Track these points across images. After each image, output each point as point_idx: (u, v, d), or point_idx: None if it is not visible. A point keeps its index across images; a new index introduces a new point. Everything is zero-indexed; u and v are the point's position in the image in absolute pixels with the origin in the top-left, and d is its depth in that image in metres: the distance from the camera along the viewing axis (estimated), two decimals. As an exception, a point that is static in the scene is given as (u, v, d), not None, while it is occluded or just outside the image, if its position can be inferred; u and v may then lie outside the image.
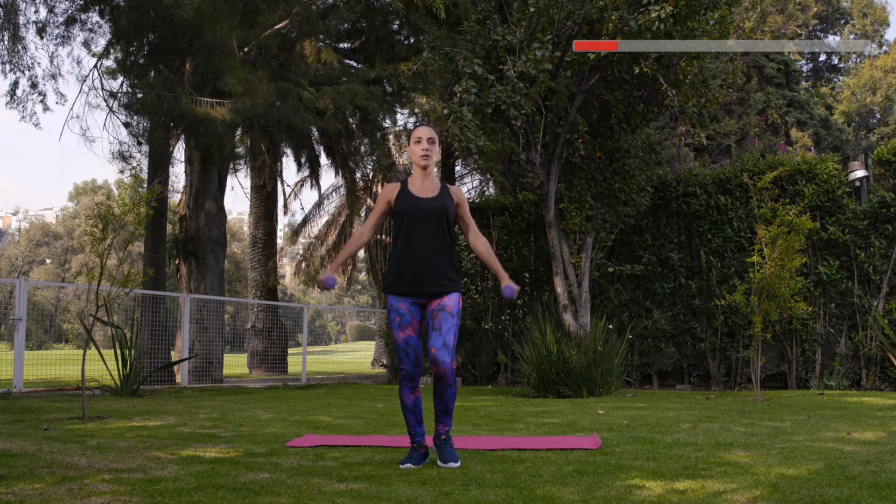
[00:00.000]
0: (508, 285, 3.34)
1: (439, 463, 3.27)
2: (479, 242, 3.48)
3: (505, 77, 7.66)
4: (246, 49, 10.60)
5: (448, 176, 16.85)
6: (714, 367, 9.28)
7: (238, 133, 11.61)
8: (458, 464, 3.24)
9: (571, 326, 8.13)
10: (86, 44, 11.38)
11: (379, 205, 3.45)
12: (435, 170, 3.48)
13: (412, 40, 12.69)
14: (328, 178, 45.12)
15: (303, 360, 12.24)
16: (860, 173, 8.93)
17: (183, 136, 12.30)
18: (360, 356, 32.07)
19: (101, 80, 11.39)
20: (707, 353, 9.31)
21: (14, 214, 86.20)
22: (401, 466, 3.20)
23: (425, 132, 3.36)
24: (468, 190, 20.62)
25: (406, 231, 3.32)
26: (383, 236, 19.04)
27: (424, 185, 3.38)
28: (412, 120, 18.01)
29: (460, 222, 3.49)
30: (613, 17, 7.43)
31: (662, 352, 9.54)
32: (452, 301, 3.29)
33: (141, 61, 10.88)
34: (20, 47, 10.40)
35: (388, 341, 11.76)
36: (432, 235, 3.30)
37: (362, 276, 39.86)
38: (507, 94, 7.55)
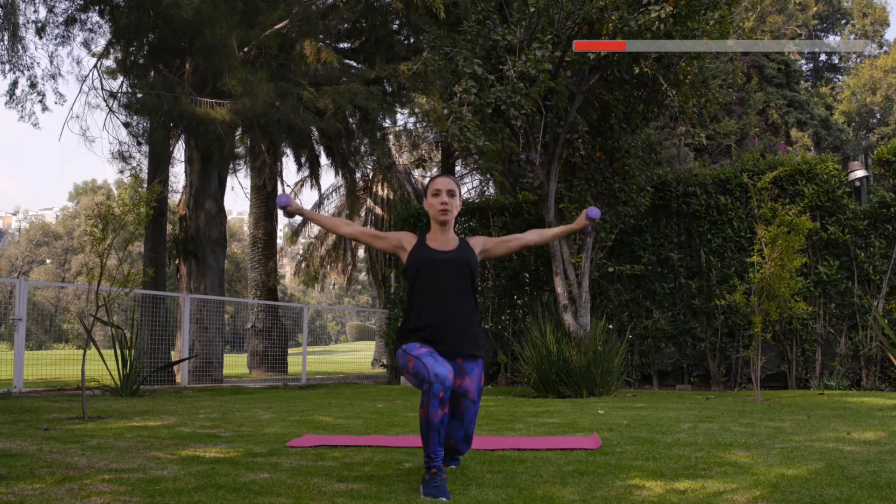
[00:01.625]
0: (591, 208, 3.14)
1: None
2: (528, 236, 3.24)
3: (505, 77, 7.66)
4: (246, 49, 10.60)
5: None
6: (714, 367, 9.28)
7: (238, 133, 11.62)
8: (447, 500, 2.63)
9: (571, 326, 8.13)
10: (86, 44, 11.39)
11: (387, 234, 3.18)
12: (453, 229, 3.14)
13: (412, 40, 12.69)
14: (328, 178, 45.18)
15: (303, 360, 12.24)
16: (860, 173, 8.94)
17: (183, 136, 12.30)
18: (360, 356, 32.08)
19: (100, 80, 11.39)
20: (707, 353, 9.31)
21: (14, 214, 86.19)
22: (432, 499, 2.56)
23: (445, 184, 3.04)
24: (468, 190, 20.64)
25: (423, 283, 2.97)
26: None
27: (443, 240, 3.06)
28: (412, 120, 18.03)
29: (501, 247, 3.19)
30: (613, 17, 7.43)
31: (662, 352, 9.54)
32: (475, 383, 2.91)
33: (141, 61, 10.88)
34: (19, 47, 10.40)
35: (389, 341, 11.74)
36: (453, 290, 2.96)
37: (362, 276, 39.84)
38: (507, 94, 7.55)
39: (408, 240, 3.11)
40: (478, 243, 3.15)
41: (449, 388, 2.71)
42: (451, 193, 3.04)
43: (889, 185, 8.85)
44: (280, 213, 18.34)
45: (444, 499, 2.56)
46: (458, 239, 3.10)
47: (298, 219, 25.47)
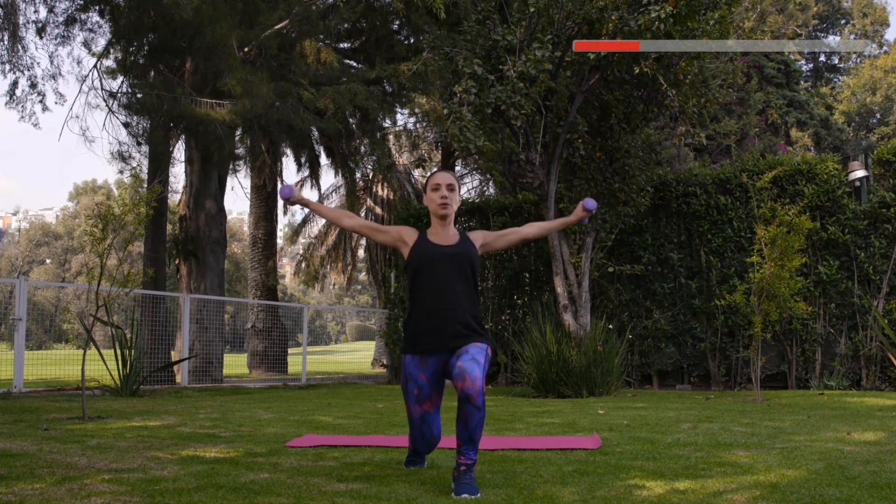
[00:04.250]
0: (587, 199, 3.20)
1: (453, 494, 2.65)
2: (528, 229, 3.27)
3: (505, 77, 7.66)
4: (246, 49, 10.60)
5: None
6: (714, 367, 9.28)
7: (238, 133, 11.61)
8: (475, 494, 2.63)
9: (571, 326, 8.13)
10: (86, 44, 11.38)
11: (390, 229, 3.18)
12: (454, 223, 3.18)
13: (412, 40, 12.69)
14: (328, 178, 45.17)
15: (303, 360, 12.24)
16: (860, 173, 8.94)
17: (183, 137, 12.30)
18: (360, 356, 32.07)
19: (100, 80, 11.39)
20: (707, 353, 9.31)
21: (14, 214, 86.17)
22: (406, 468, 3.16)
23: (444, 178, 3.07)
24: (468, 190, 20.64)
25: (425, 278, 2.99)
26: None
27: (443, 235, 3.08)
28: (412, 120, 18.03)
29: (501, 240, 3.22)
30: (613, 17, 7.43)
31: (662, 352, 9.54)
32: (479, 346, 2.90)
33: (141, 61, 10.88)
34: (20, 47, 10.40)
35: (389, 341, 11.74)
36: (454, 284, 2.97)
37: (362, 276, 39.84)
38: (507, 94, 7.55)
39: (409, 234, 3.12)
40: (478, 237, 3.17)
41: (431, 449, 3.13)
42: (450, 188, 3.07)
43: (889, 185, 8.85)
44: (281, 204, 18.23)
45: (420, 465, 3.21)
46: (459, 233, 3.12)
47: (299, 217, 25.47)
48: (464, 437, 2.74)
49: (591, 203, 3.21)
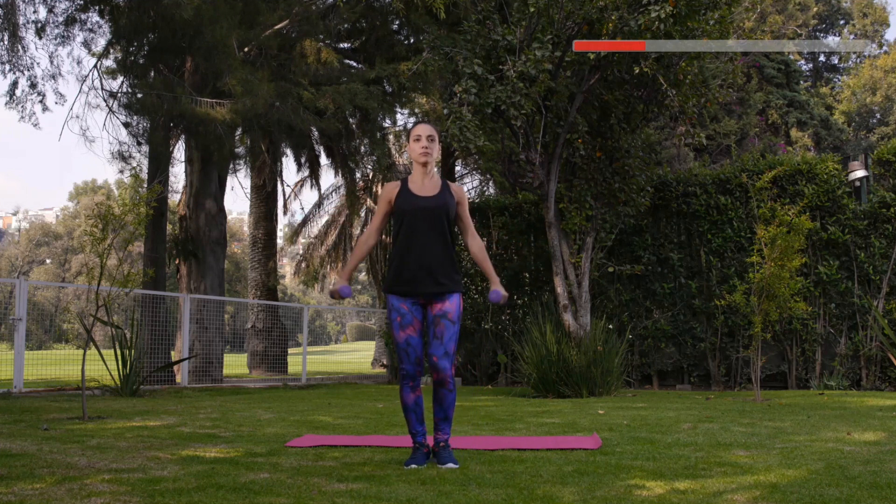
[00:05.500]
0: (496, 290, 3.37)
1: (438, 465, 3.26)
2: (475, 243, 3.48)
3: (505, 77, 7.66)
4: (246, 49, 10.60)
5: (448, 176, 16.85)
6: (714, 367, 9.28)
7: (238, 133, 11.62)
8: (457, 465, 3.24)
9: (571, 326, 8.13)
10: (86, 44, 11.38)
11: (381, 206, 3.45)
12: (435, 168, 3.47)
13: (412, 40, 12.69)
14: (328, 178, 45.11)
15: (303, 360, 12.24)
16: (860, 173, 8.94)
17: (183, 136, 12.30)
18: (360, 356, 32.05)
19: (100, 80, 11.39)
20: (707, 353, 9.31)
21: (14, 214, 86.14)
22: (405, 467, 3.20)
23: (424, 129, 3.36)
24: (468, 190, 20.63)
25: (406, 230, 3.31)
26: (384, 237, 19.03)
27: (425, 184, 3.37)
28: (412, 120, 18.02)
29: (459, 222, 3.46)
30: (613, 17, 7.43)
31: (662, 352, 9.54)
32: (454, 306, 3.28)
33: (141, 61, 10.88)
34: (20, 47, 10.39)
35: (389, 341, 11.75)
36: (432, 234, 3.29)
37: (362, 276, 39.85)
38: (507, 94, 7.54)
39: (392, 190, 3.40)
40: (458, 193, 3.42)
41: (417, 380, 3.29)
42: (430, 139, 3.36)
43: (889, 185, 8.85)
44: (281, 204, 18.19)
45: (415, 465, 3.20)
46: (441, 182, 3.39)
47: (299, 217, 25.49)
48: (440, 416, 3.31)
49: (495, 296, 3.37)
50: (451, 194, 3.38)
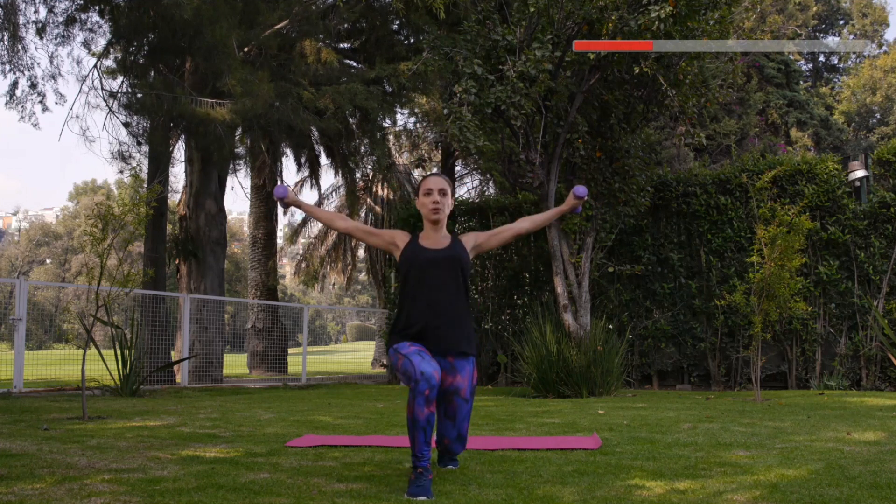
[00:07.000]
0: (579, 186, 3.19)
1: (437, 465, 3.18)
2: (522, 221, 3.25)
3: (505, 77, 7.66)
4: (246, 49, 10.60)
5: (448, 175, 16.84)
6: (714, 367, 9.28)
7: (238, 133, 11.62)
8: (457, 465, 3.20)
9: (571, 326, 8.13)
10: (86, 44, 11.39)
11: (381, 231, 3.20)
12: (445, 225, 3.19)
13: (412, 40, 12.70)
14: (328, 178, 45.16)
15: (303, 360, 12.24)
16: (860, 173, 8.93)
17: (183, 136, 12.30)
18: (360, 356, 32.05)
19: (100, 80, 11.40)
20: (707, 353, 9.31)
21: (14, 214, 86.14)
22: (412, 499, 2.58)
23: (436, 183, 3.06)
24: (468, 189, 20.64)
25: (413, 285, 2.98)
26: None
27: (435, 238, 3.08)
28: (412, 120, 18.03)
29: (494, 239, 3.20)
30: (613, 17, 7.43)
31: (662, 352, 9.54)
32: (466, 381, 2.96)
33: (141, 61, 10.89)
34: (20, 47, 10.40)
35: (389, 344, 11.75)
36: (444, 289, 2.97)
37: (362, 276, 39.84)
38: (507, 94, 7.54)
39: (401, 238, 3.12)
40: (469, 240, 3.16)
41: (435, 387, 2.73)
42: (442, 192, 3.05)
43: (889, 185, 8.85)
44: (279, 205, 18.34)
45: (423, 497, 2.57)
46: (451, 237, 3.12)
47: (299, 217, 25.47)
48: (452, 435, 3.03)
49: (581, 190, 3.20)
50: (462, 247, 3.09)
